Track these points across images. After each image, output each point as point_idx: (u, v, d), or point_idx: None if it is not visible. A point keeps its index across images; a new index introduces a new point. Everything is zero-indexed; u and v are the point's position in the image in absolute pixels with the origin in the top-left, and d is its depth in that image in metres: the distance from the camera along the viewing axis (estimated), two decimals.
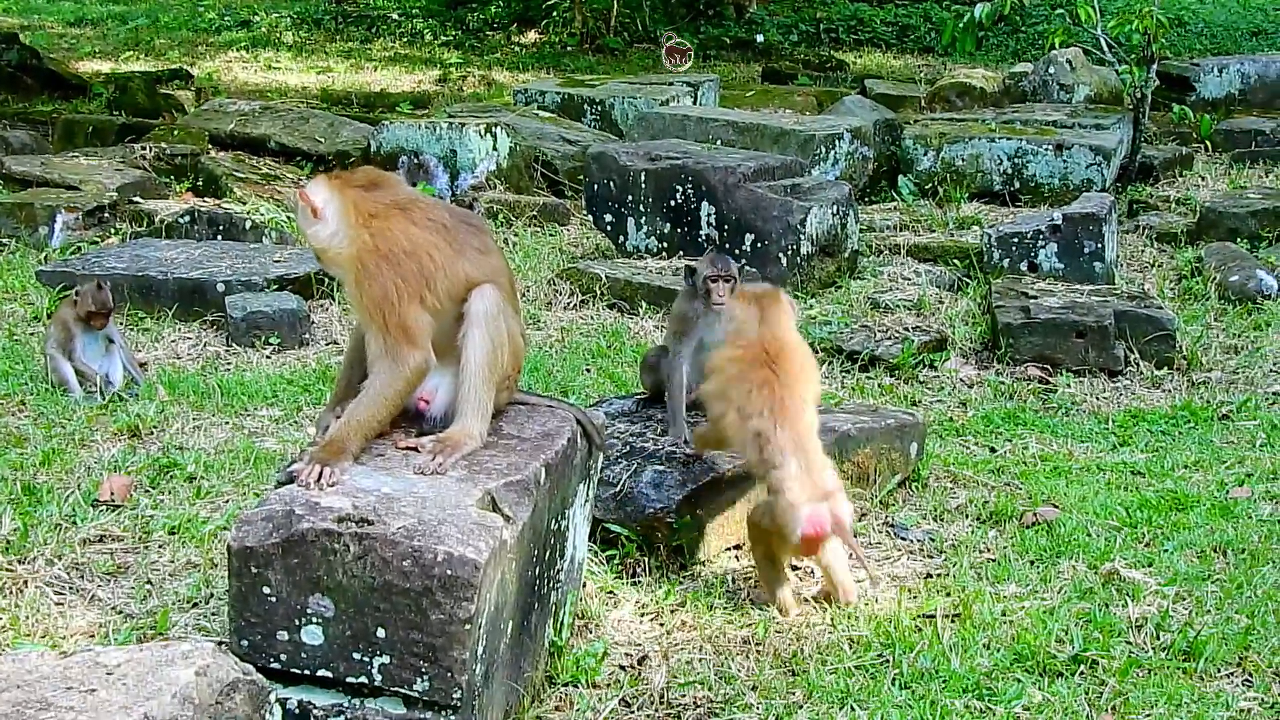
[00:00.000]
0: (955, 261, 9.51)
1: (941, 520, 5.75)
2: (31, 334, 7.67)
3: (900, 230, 10.47)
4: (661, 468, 5.24)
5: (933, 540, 5.51)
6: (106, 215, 9.74)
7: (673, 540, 5.14)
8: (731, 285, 5.42)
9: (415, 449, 3.97)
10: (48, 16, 25.43)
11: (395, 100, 16.88)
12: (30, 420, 6.37)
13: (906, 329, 7.96)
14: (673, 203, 9.25)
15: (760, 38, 22.98)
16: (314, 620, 3.49)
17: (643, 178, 9.34)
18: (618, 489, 5.19)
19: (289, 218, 10.29)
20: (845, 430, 5.71)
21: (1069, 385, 7.51)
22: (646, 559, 5.16)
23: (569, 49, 22.95)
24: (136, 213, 9.76)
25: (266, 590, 3.49)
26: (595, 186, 9.60)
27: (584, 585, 4.90)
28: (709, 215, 9.10)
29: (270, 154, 12.30)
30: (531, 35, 24.12)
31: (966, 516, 5.79)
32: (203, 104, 14.29)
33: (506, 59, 22.10)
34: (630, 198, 9.40)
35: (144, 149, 11.50)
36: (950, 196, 11.22)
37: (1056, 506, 5.80)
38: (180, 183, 11.08)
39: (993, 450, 6.64)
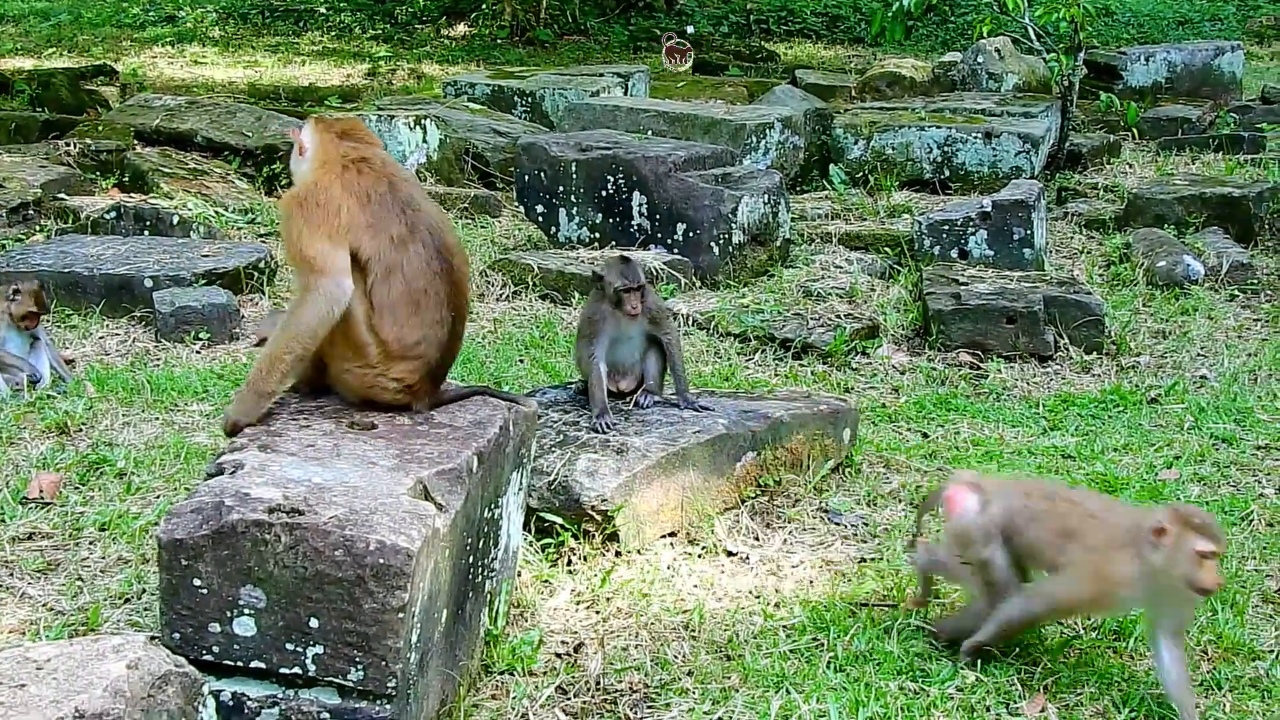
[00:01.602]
0: (886, 249, 9.56)
1: (875, 505, 5.77)
2: None
3: (831, 219, 10.52)
4: (596, 456, 5.24)
5: (866, 525, 5.54)
6: (31, 213, 9.61)
7: (607, 528, 5.14)
8: (642, 293, 5.55)
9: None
10: None
11: (324, 94, 16.79)
12: None
13: (838, 317, 7.99)
14: (604, 193, 9.24)
15: (690, 29, 22.99)
16: (246, 611, 3.46)
17: (574, 168, 9.32)
18: (552, 478, 5.18)
19: (217, 212, 10.21)
20: (778, 416, 5.73)
21: (1000, 371, 7.58)
22: (582, 547, 5.16)
23: (499, 41, 22.92)
24: (62, 209, 9.64)
25: (197, 582, 3.46)
26: (526, 177, 9.58)
27: (519, 574, 4.88)
28: (640, 205, 9.11)
29: (197, 149, 12.16)
30: (461, 28, 24.05)
31: (899, 501, 5.82)
32: (127, 100, 14.11)
33: (436, 52, 22.03)
34: (561, 188, 9.38)
35: (68, 145, 11.37)
36: (881, 185, 11.29)
37: None
38: (106, 179, 10.95)
39: (925, 435, 6.69)
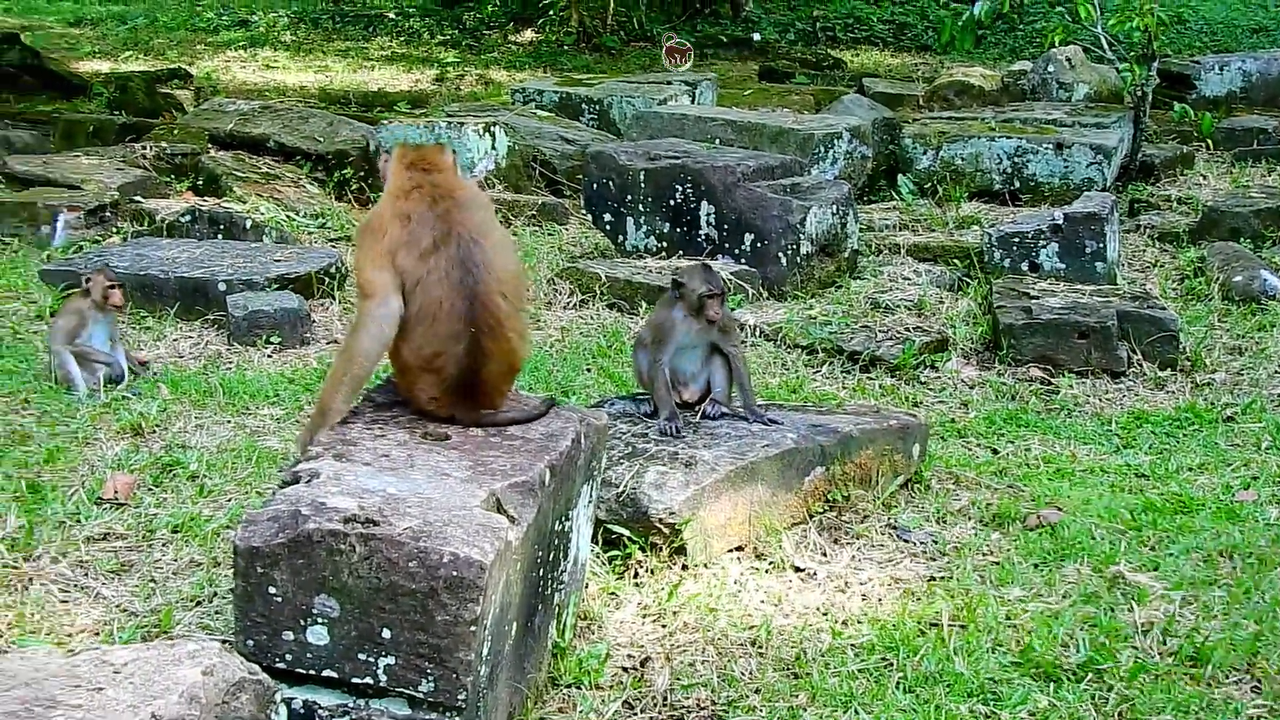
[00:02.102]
0: (955, 261, 9.50)
1: (944, 522, 5.73)
2: (34, 332, 7.65)
3: (900, 230, 10.47)
4: (664, 468, 5.23)
5: (935, 543, 5.50)
6: (108, 214, 9.73)
7: (675, 541, 5.14)
8: (722, 299, 5.60)
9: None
10: (48, 16, 25.42)
11: (393, 99, 16.90)
12: (34, 419, 6.37)
13: (907, 329, 7.95)
14: (672, 202, 9.24)
15: (757, 36, 23.00)
16: (319, 620, 3.48)
17: (642, 177, 9.33)
18: (620, 490, 5.17)
19: (289, 217, 10.29)
20: (847, 431, 5.70)
21: (1071, 386, 7.50)
22: (649, 560, 5.15)
23: (565, 48, 22.97)
24: (138, 212, 9.75)
25: (272, 590, 3.48)
26: (594, 186, 9.60)
27: (586, 586, 4.89)
28: (708, 215, 9.10)
29: (269, 153, 12.26)
30: (528, 34, 24.13)
31: (969, 519, 5.78)
32: (202, 104, 14.27)
33: (503, 58, 22.12)
34: (629, 197, 9.39)
35: (144, 148, 11.49)
36: (950, 196, 11.22)
37: (1060, 509, 5.79)
38: (181, 182, 11.06)
39: (995, 452, 6.64)
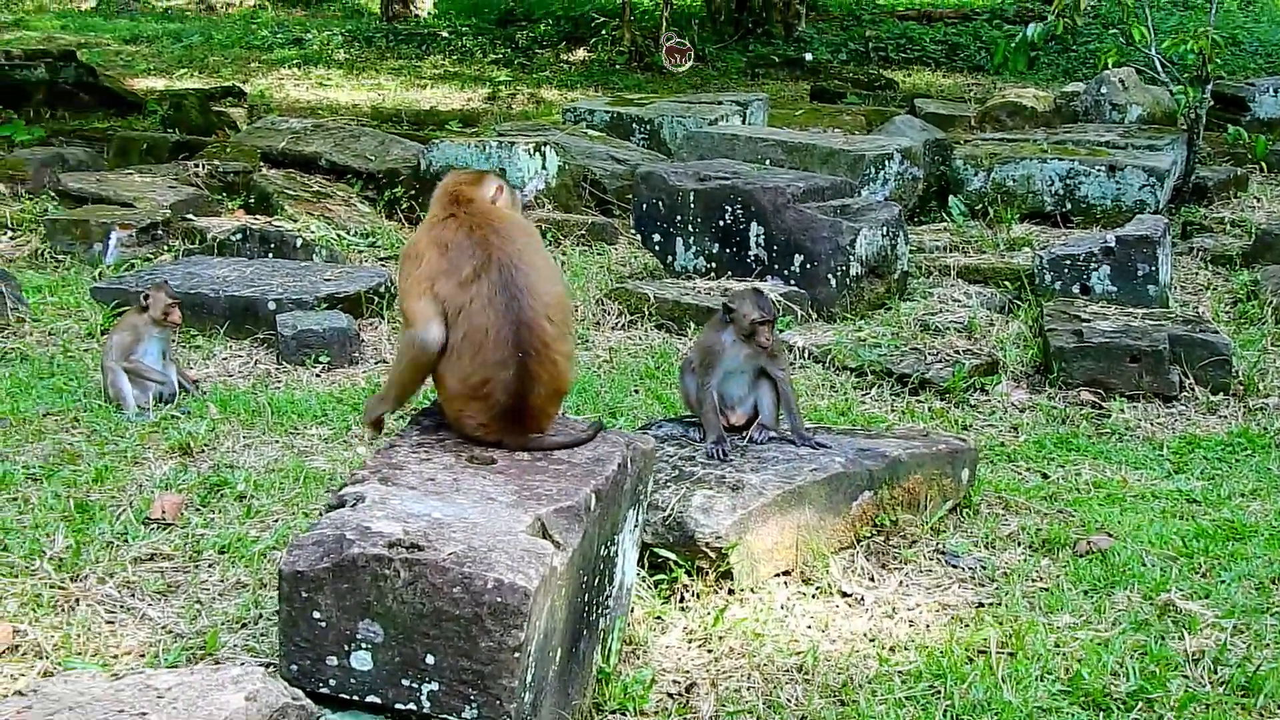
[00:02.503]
0: (1006, 283, 9.42)
1: (993, 548, 5.68)
2: (85, 350, 7.71)
3: (950, 251, 10.40)
4: (711, 492, 5.21)
5: (984, 568, 5.45)
6: (160, 232, 9.81)
7: (721, 566, 5.11)
8: (773, 325, 5.62)
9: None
10: (104, 33, 25.70)
11: (445, 118, 16.96)
12: (84, 437, 6.40)
13: (957, 352, 7.90)
14: (721, 223, 9.23)
15: (809, 56, 22.96)
16: (363, 646, 3.48)
17: (691, 197, 9.32)
18: (667, 513, 5.16)
19: (339, 235, 10.35)
20: (895, 456, 5.66)
21: (1123, 410, 7.42)
22: (695, 584, 5.13)
23: (617, 67, 22.99)
24: (190, 230, 9.82)
25: (316, 615, 3.49)
26: (644, 206, 9.60)
27: (632, 610, 4.88)
28: (758, 236, 9.08)
29: (321, 171, 12.35)
30: (580, 53, 24.17)
31: (1019, 544, 5.72)
32: (254, 121, 14.38)
33: (555, 77, 22.17)
34: (679, 217, 9.38)
35: (197, 166, 11.57)
36: (1001, 217, 11.14)
37: (1111, 535, 5.73)
38: (232, 200, 11.14)
39: (1045, 476, 6.57)
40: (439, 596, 3.42)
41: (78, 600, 4.88)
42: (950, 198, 11.69)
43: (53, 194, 10.98)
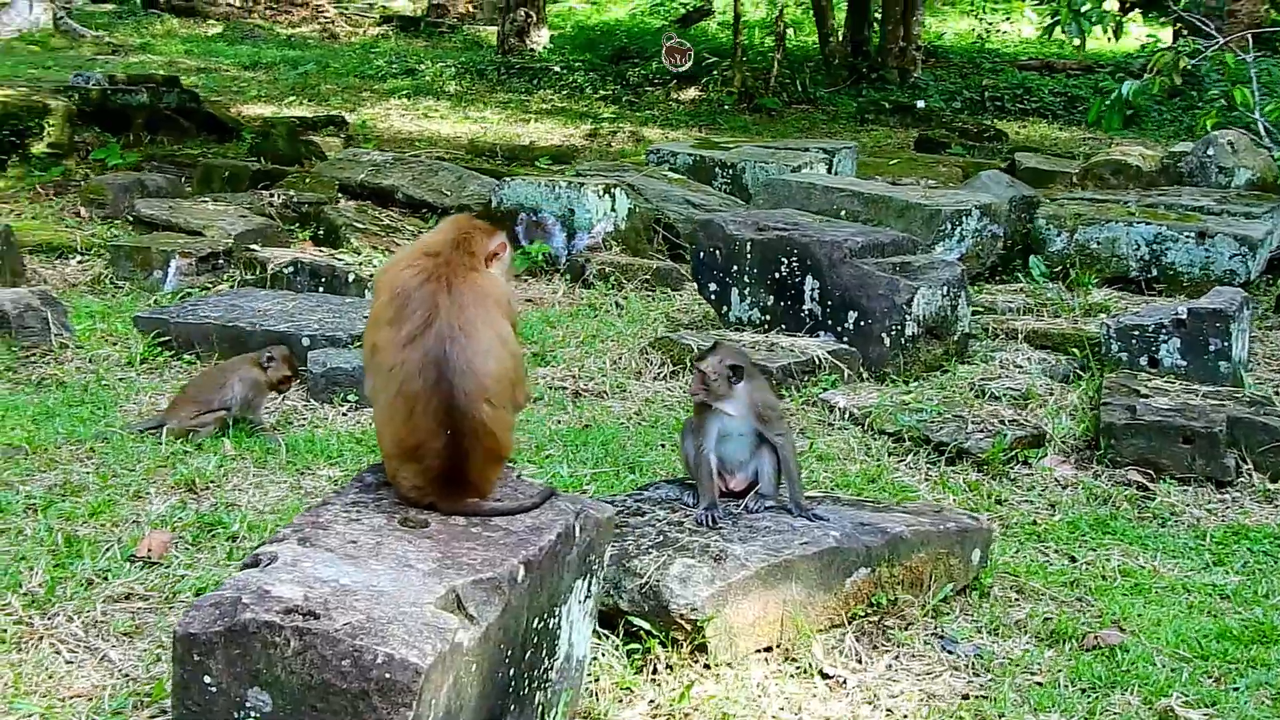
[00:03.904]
0: (1074, 351, 9.08)
1: (997, 635, 5.40)
2: (120, 380, 7.73)
3: (1022, 314, 10.07)
4: (692, 561, 5.02)
5: (980, 657, 5.18)
6: (221, 262, 9.86)
7: (696, 638, 4.91)
8: (703, 376, 5.42)
9: None
10: (225, 59, 26.18)
11: (539, 154, 16.95)
12: (94, 469, 6.38)
13: (1002, 421, 7.60)
14: (777, 275, 9.04)
15: (921, 104, 22.66)
16: (252, 714, 3.35)
17: (748, 248, 9.14)
18: (644, 581, 4.98)
19: None
20: (897, 533, 5.41)
21: (1170, 494, 7.06)
22: (669, 656, 4.94)
23: (725, 108, 22.89)
24: (251, 260, 9.85)
25: (208, 680, 3.37)
26: (701, 254, 9.44)
27: (597, 680, 4.71)
28: (813, 290, 8.87)
29: (398, 205, 12.40)
30: (691, 92, 24.12)
31: (1025, 632, 5.44)
32: (345, 151, 14.47)
33: (660, 116, 22.12)
34: (735, 267, 9.21)
35: (272, 196, 11.67)
36: (1080, 281, 10.80)
37: (1122, 629, 5.43)
38: (303, 231, 11.20)
39: (1072, 560, 6.27)
40: (327, 668, 3.29)
41: (41, 638, 4.83)
42: (1031, 258, 11.37)
43: (128, 219, 11.12)
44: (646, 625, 4.93)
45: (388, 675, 3.25)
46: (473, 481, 4.06)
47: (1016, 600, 5.74)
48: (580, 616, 4.30)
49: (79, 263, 10.29)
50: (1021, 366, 8.79)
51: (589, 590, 4.33)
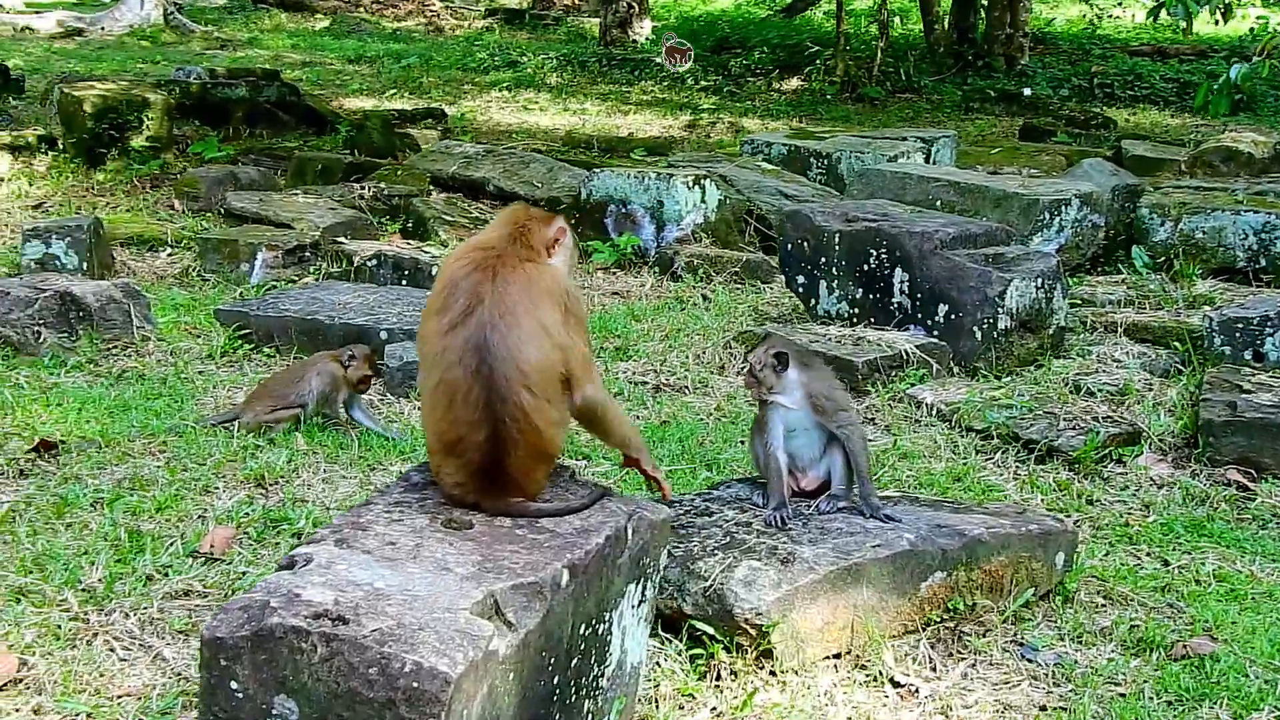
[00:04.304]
0: (1176, 344, 8.76)
1: (1080, 642, 5.17)
2: (199, 373, 7.72)
3: (1123, 306, 9.74)
4: (758, 564, 4.85)
5: (1061, 667, 4.96)
6: (307, 254, 9.84)
7: (761, 644, 4.75)
8: (751, 371, 5.32)
9: None
10: (330, 54, 26.33)
11: (635, 145, 16.81)
12: (164, 463, 6.35)
13: (1096, 419, 7.32)
14: (866, 267, 8.81)
15: (1027, 91, 22.18)
16: None
17: (836, 239, 8.93)
18: (708, 584, 4.82)
19: None
20: (976, 535, 5.19)
21: (1271, 495, 6.75)
22: (734, 662, 4.78)
23: (828, 98, 22.58)
24: (338, 253, 9.83)
25: (234, 685, 3.27)
26: (789, 246, 9.24)
27: (656, 687, 4.57)
28: (902, 282, 8.64)
29: (489, 197, 12.33)
30: (794, 82, 23.84)
31: (1110, 640, 5.20)
32: (439, 144, 14.43)
33: (761, 106, 21.87)
34: (823, 260, 9.00)
35: (363, 189, 11.65)
36: (1184, 272, 10.44)
37: (1214, 638, 5.17)
38: (392, 224, 11.16)
39: (1165, 563, 5.99)
40: (354, 676, 3.17)
41: (95, 635, 4.79)
42: (1134, 248, 11.01)
43: (219, 212, 11.16)
44: (710, 630, 4.78)
45: (416, 684, 3.13)
46: (514, 478, 3.93)
47: (1103, 606, 5.49)
48: (634, 622, 4.16)
49: (169, 255, 10.34)
50: (1120, 361, 8.49)
51: (643, 595, 4.18)
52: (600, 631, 3.92)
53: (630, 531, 4.01)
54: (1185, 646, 5.09)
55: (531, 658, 3.52)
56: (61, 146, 13.43)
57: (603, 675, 3.99)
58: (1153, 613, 5.43)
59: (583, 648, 3.82)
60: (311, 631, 3.21)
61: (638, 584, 4.12)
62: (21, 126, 14.68)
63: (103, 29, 27.24)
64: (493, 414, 3.84)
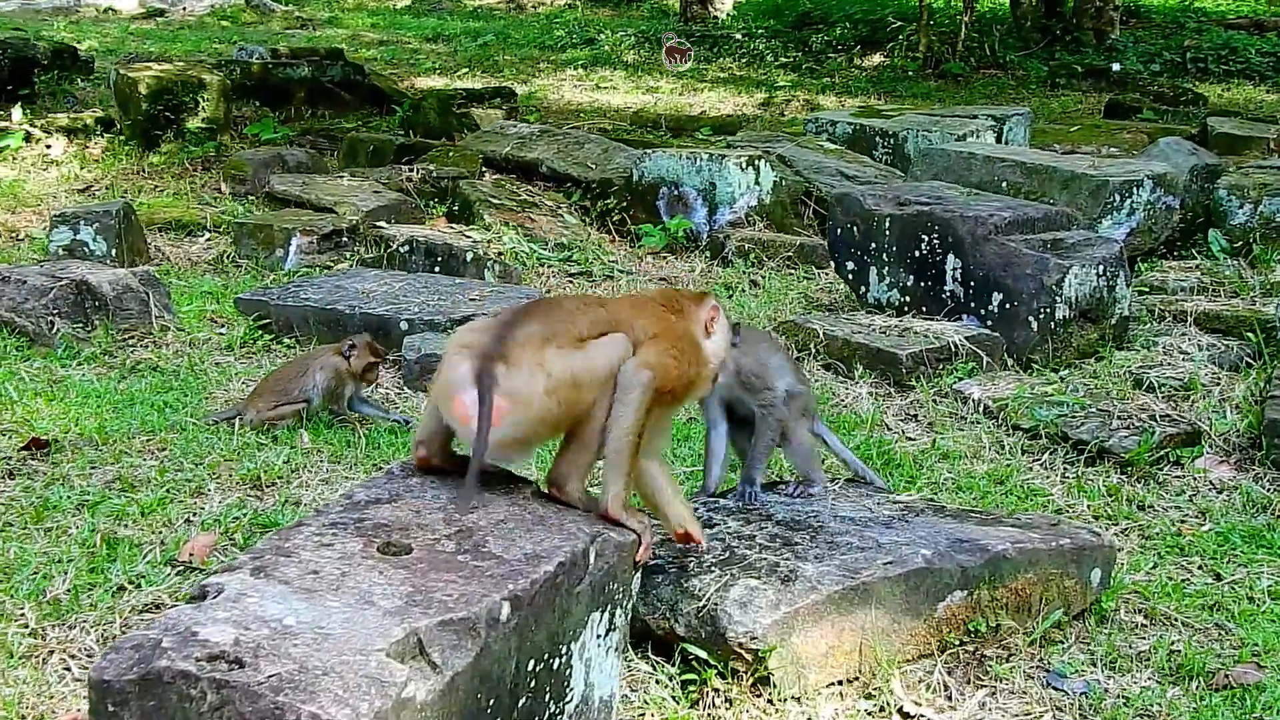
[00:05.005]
0: (1249, 335, 8.23)
1: (1114, 669, 4.74)
2: (215, 365, 7.46)
3: (1195, 294, 9.20)
4: (756, 582, 4.48)
5: (1089, 695, 4.54)
6: (344, 239, 9.58)
7: (758, 670, 4.38)
8: None
9: None
10: (408, 32, 26.13)
11: (704, 124, 16.39)
12: (157, 464, 6.08)
13: (1153, 417, 6.84)
14: (917, 253, 8.37)
15: (1116, 66, 21.39)
16: None
17: (887, 224, 8.49)
18: (702, 604, 4.46)
19: (531, 249, 9.92)
20: (999, 551, 4.77)
21: None
22: (730, 688, 4.42)
23: (909, 74, 21.98)
24: (378, 238, 9.55)
25: None
26: (838, 231, 8.82)
27: (641, 716, 4.23)
28: (954, 270, 8.19)
29: (542, 178, 12.00)
30: (875, 58, 23.25)
31: (1147, 666, 4.77)
32: (491, 124, 14.12)
33: (840, 83, 21.32)
34: (873, 245, 8.56)
35: (411, 171, 11.37)
36: (1262, 257, 9.87)
37: (1261, 666, 4.72)
38: (439, 206, 10.87)
39: (1217, 578, 5.53)
40: None
41: (52, 652, 4.53)
42: (1211, 231, 10.44)
43: (262, 196, 10.94)
44: (703, 653, 4.42)
45: None
46: None
47: (1142, 627, 5.06)
48: (602, 652, 3.81)
49: (206, 241, 10.13)
50: (1186, 353, 7.98)
51: (611, 623, 3.83)
52: (556, 666, 3.58)
53: (593, 556, 3.67)
54: (1227, 676, 4.64)
55: (462, 701, 3.18)
56: (118, 129, 13.30)
57: (562, 713, 3.65)
58: (1197, 635, 4.99)
59: (533, 685, 3.48)
60: (201, 677, 2.90)
61: (603, 612, 3.77)
62: (84, 108, 14.59)
63: (184, 9, 27.26)
64: None
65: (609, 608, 3.80)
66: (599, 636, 3.77)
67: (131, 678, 2.94)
